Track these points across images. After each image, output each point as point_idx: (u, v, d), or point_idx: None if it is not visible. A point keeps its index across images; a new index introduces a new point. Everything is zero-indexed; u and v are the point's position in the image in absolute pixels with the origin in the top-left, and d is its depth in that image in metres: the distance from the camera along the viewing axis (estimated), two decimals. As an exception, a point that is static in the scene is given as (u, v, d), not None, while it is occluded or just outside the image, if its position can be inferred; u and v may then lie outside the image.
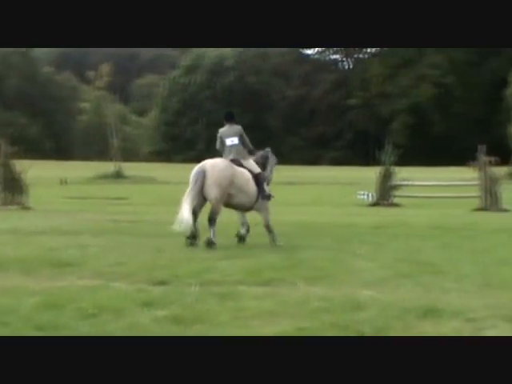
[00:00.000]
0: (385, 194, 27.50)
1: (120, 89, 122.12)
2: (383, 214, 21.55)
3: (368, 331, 6.16)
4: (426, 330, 6.29)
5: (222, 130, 14.08)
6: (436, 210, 23.09)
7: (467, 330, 6.29)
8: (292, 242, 12.87)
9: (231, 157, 13.59)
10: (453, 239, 13.38)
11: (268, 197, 13.71)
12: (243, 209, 13.60)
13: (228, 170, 13.16)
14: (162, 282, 8.47)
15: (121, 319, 6.49)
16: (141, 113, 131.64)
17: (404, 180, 27.96)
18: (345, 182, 50.78)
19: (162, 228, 15.67)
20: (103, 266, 9.73)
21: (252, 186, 13.37)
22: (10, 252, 10.87)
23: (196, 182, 12.92)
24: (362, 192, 30.72)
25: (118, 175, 57.79)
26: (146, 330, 6.11)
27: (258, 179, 13.58)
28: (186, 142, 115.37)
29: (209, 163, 13.22)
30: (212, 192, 12.87)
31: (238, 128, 14.06)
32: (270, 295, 7.68)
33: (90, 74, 65.40)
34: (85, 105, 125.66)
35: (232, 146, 13.84)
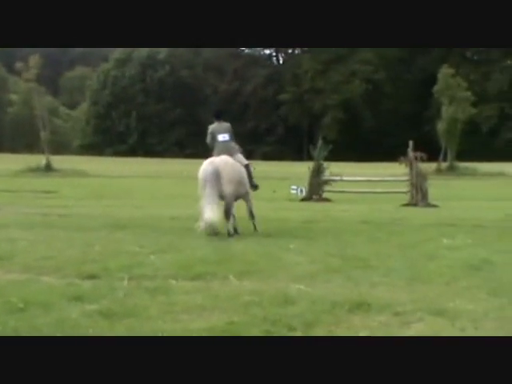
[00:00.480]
0: (316, 189, 27.73)
1: (50, 81, 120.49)
2: (314, 208, 21.74)
3: (298, 325, 6.22)
4: (355, 323, 6.39)
5: (213, 127, 15.04)
6: (366, 205, 23.39)
7: (395, 324, 6.41)
8: (224, 236, 12.89)
9: (224, 152, 14.46)
10: (382, 234, 13.57)
11: (256, 187, 15.05)
12: (239, 199, 14.48)
13: (237, 166, 14.30)
14: (92, 276, 8.40)
15: (49, 314, 6.43)
16: (72, 106, 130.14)
17: (335, 175, 28.24)
18: (277, 177, 51.00)
19: (92, 222, 15.56)
20: (32, 259, 9.61)
21: (246, 178, 14.58)
22: None
23: (213, 181, 13.52)
24: (294, 187, 30.91)
25: (47, 168, 56.90)
26: (75, 325, 6.06)
27: (248, 170, 14.85)
28: (118, 135, 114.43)
29: (219, 161, 13.91)
30: (227, 189, 13.74)
31: (227, 125, 15.13)
32: (201, 289, 7.69)
33: (19, 65, 64.16)
34: (13, 96, 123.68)
35: (224, 141, 14.83)
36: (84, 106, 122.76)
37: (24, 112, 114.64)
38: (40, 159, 58.88)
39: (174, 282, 8.13)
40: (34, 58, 61.59)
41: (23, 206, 20.91)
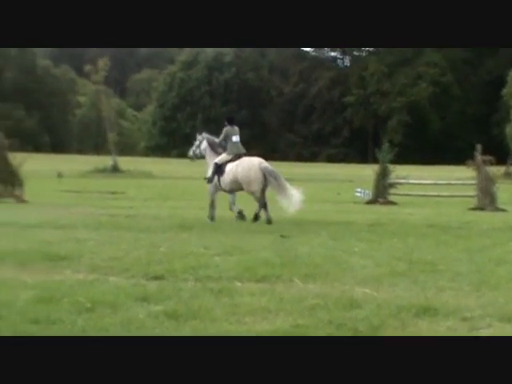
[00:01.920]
0: (381, 192, 27.49)
1: (118, 83, 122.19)
2: (380, 211, 21.57)
3: (364, 329, 6.17)
4: (422, 328, 6.30)
5: (227, 129, 17.82)
6: (432, 209, 23.11)
7: (463, 329, 6.30)
8: (288, 239, 12.88)
9: (238, 150, 17.62)
10: (448, 238, 13.38)
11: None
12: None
13: None
14: (158, 277, 8.47)
15: (116, 314, 6.50)
16: (138, 107, 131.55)
17: (400, 178, 27.96)
18: (342, 180, 50.79)
19: (157, 222, 15.71)
20: (99, 260, 9.72)
21: None
22: (5, 245, 10.85)
23: (275, 177, 16.82)
24: (359, 189, 30.72)
25: (114, 169, 57.67)
26: (141, 325, 6.11)
27: None
28: (183, 137, 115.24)
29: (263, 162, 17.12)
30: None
31: (237, 129, 17.95)
32: (266, 292, 7.68)
33: (88, 67, 65.16)
34: (82, 98, 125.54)
35: (237, 142, 17.70)
36: (150, 108, 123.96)
37: (92, 114, 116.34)
38: (107, 160, 59.73)
39: (238, 283, 8.14)
40: (103, 61, 62.44)
41: (90, 206, 21.20)
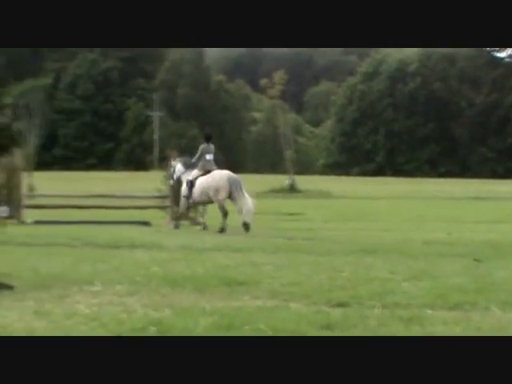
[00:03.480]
0: None
1: (294, 97, 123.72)
2: None
3: None
4: None
5: (203, 147, 21.87)
6: None
7: None
8: (482, 263, 12.58)
9: (211, 168, 21.47)
10: None
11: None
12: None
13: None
14: (342, 304, 8.46)
15: (299, 342, 6.55)
16: (316, 123, 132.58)
17: None
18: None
19: (338, 245, 15.74)
20: (278, 285, 9.83)
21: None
22: (183, 269, 11.20)
23: (239, 187, 20.84)
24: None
25: (291, 189, 58.31)
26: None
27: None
28: (364, 153, 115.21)
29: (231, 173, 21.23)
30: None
31: (213, 147, 22.12)
32: (460, 320, 7.53)
33: (263, 81, 66.36)
34: (257, 115, 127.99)
35: (210, 160, 21.70)
36: (329, 122, 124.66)
37: (267, 130, 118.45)
38: (283, 179, 60.45)
39: (429, 311, 8.03)
40: (279, 74, 63.38)
41: (267, 228, 21.52)
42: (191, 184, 21.38)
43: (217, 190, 20.77)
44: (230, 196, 20.85)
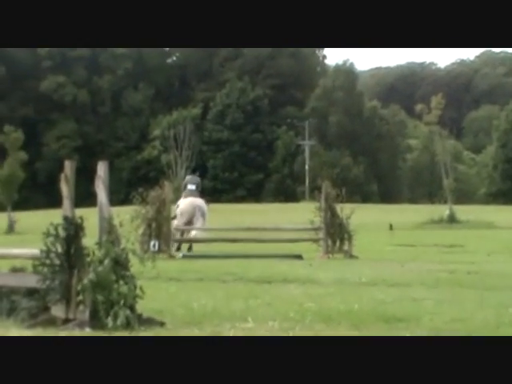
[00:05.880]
0: None
1: (453, 123, 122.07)
2: None
3: None
4: None
5: (187, 179, 27.59)
6: None
7: None
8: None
9: (190, 196, 25.96)
10: None
11: None
12: None
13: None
14: (510, 342, 8.25)
15: None
16: (476, 149, 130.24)
17: None
18: None
19: (504, 280, 15.36)
20: (440, 322, 9.67)
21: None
22: (338, 304, 11.17)
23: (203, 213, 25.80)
24: None
25: (450, 219, 57.42)
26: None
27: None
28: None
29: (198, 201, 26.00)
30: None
31: (197, 179, 27.23)
32: None
33: (419, 107, 65.84)
34: (413, 142, 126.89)
35: (191, 189, 26.22)
36: (490, 149, 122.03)
37: (424, 158, 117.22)
38: (442, 210, 59.63)
39: None
40: (436, 98, 62.71)
41: (426, 262, 21.23)
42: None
43: (183, 214, 25.30)
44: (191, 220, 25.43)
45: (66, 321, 8.74)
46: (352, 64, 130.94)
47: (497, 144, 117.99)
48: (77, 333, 8.32)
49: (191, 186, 26.25)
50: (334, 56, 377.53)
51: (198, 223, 25.43)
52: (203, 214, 25.66)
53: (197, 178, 27.21)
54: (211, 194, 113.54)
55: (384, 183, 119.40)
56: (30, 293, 9.24)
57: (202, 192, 27.54)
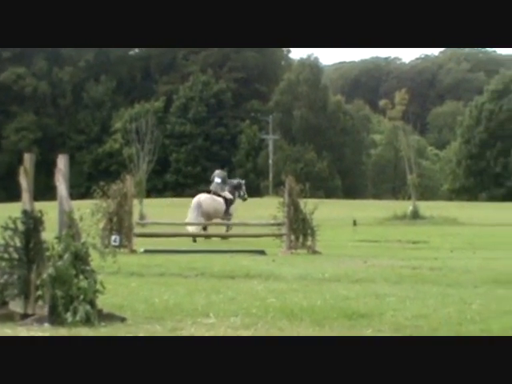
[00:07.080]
0: None
1: (417, 118, 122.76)
2: None
3: None
4: None
5: (216, 172, 30.70)
6: None
7: None
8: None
9: (214, 189, 30.07)
10: None
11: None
12: None
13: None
14: (472, 339, 8.32)
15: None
16: (440, 145, 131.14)
17: None
18: None
19: (467, 276, 15.49)
20: (402, 318, 9.73)
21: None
22: (301, 300, 11.21)
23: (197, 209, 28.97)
24: None
25: (414, 216, 57.67)
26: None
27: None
28: (493, 177, 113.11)
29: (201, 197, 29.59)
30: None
31: (223, 173, 30.56)
32: None
33: (383, 102, 66.14)
34: (377, 137, 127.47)
35: (217, 182, 29.91)
36: (454, 145, 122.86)
37: (388, 153, 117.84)
38: (406, 206, 59.90)
39: None
40: (400, 94, 63.02)
41: (389, 258, 21.34)
42: None
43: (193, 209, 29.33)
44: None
45: (25, 316, 8.68)
46: (316, 58, 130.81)
47: (460, 140, 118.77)
48: (35, 328, 8.27)
49: (217, 179, 30.30)
50: (298, 50, 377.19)
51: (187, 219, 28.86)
52: (198, 209, 28.83)
53: (223, 173, 30.87)
54: (173, 188, 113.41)
55: (348, 178, 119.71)
56: (-12, 288, 9.16)
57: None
